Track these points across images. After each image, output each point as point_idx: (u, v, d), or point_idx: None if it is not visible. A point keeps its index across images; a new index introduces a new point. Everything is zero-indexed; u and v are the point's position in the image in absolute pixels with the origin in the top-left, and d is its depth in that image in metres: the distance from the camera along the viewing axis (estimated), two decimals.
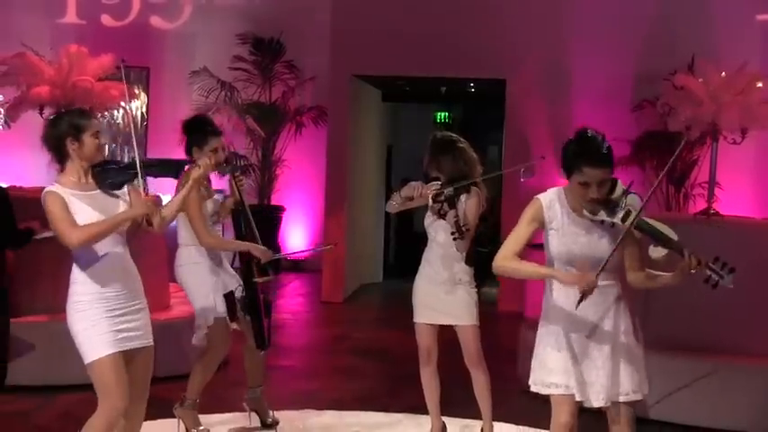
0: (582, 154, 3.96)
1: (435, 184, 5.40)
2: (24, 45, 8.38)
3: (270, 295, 5.83)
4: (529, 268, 4.12)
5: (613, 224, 3.99)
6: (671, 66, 9.49)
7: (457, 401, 6.11)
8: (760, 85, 7.65)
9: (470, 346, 5.54)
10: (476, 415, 5.79)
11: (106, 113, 8.92)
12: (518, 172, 10.95)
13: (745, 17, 10.87)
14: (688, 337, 6.82)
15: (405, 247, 15.55)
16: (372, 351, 8.86)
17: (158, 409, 6.21)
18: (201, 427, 5.89)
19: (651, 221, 4.02)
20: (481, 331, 5.62)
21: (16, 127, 8.11)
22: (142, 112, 13.33)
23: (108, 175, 4.30)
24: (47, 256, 7.06)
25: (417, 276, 5.68)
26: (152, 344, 4.40)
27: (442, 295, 5.52)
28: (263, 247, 5.64)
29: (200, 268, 5.70)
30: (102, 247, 4.26)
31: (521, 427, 6.31)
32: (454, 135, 5.65)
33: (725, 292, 6.71)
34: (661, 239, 3.96)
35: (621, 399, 4.15)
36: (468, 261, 5.51)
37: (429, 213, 5.52)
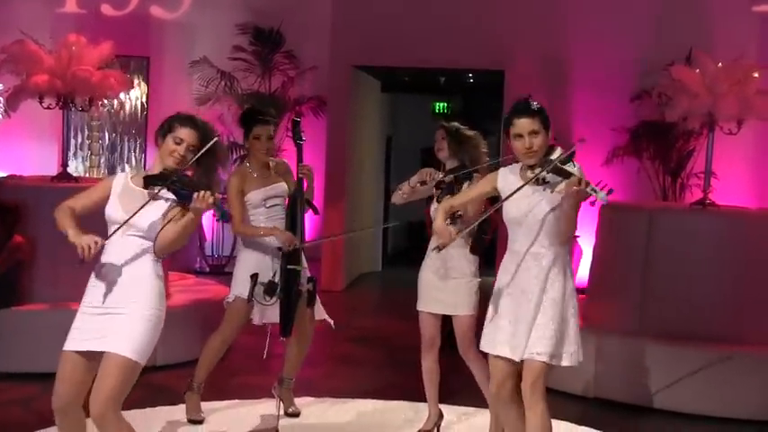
0: (512, 111, 4.43)
1: (439, 173, 5.52)
2: (24, 33, 8.38)
3: (314, 286, 5.83)
4: (438, 213, 4.62)
5: (544, 180, 4.27)
6: (669, 57, 9.50)
7: (455, 389, 6.15)
8: (756, 75, 7.66)
9: (464, 336, 5.56)
10: (473, 403, 5.84)
11: (106, 103, 8.94)
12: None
13: (742, 8, 10.89)
14: (685, 325, 6.86)
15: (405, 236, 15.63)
16: (371, 339, 8.91)
17: (160, 397, 6.28)
18: (201, 414, 5.94)
19: (567, 168, 4.27)
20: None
21: (16, 116, 8.12)
22: (142, 102, 13.34)
23: (151, 181, 4.23)
24: (46, 245, 7.13)
25: (423, 264, 5.70)
26: (111, 350, 4.09)
27: (442, 284, 5.55)
28: (288, 234, 5.68)
29: (248, 253, 5.86)
30: (110, 241, 4.19)
31: None
32: (461, 125, 5.71)
33: (719, 281, 6.82)
34: (566, 176, 4.21)
35: (526, 356, 4.34)
36: (473, 250, 5.54)
37: (434, 201, 5.56)
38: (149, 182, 4.22)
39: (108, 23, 12.86)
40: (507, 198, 4.35)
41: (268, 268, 5.78)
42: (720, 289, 6.93)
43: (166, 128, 4.28)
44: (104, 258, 4.21)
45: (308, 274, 5.85)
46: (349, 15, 11.34)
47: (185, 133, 4.24)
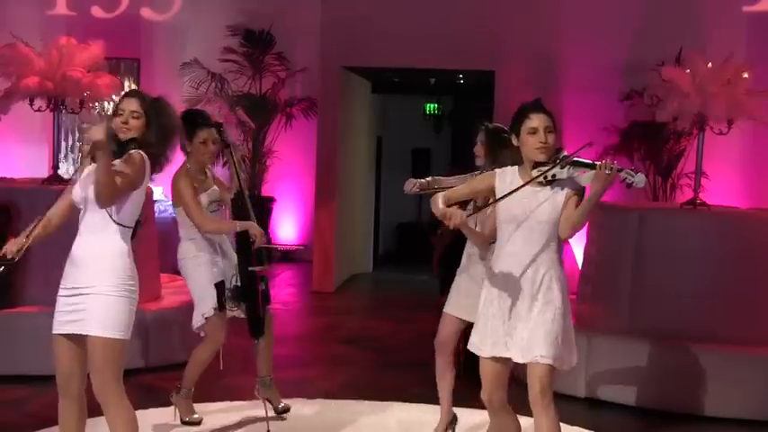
0: (526, 106, 4.46)
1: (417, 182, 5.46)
2: (14, 36, 8.37)
3: (266, 285, 5.82)
4: (437, 200, 4.41)
5: (554, 176, 4.27)
6: (659, 56, 9.53)
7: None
8: (746, 75, 7.68)
9: None
10: (469, 404, 5.84)
11: (96, 104, 8.91)
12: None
13: (732, 9, 10.93)
14: (676, 325, 6.87)
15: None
16: (362, 340, 8.90)
17: (152, 399, 6.27)
18: (195, 416, 5.93)
19: (582, 160, 4.33)
20: None
21: (6, 119, 8.11)
22: None
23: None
24: (37, 248, 7.11)
25: (459, 269, 5.60)
26: (88, 333, 4.22)
27: (475, 290, 5.30)
28: (260, 228, 5.62)
29: (200, 261, 5.77)
30: (80, 222, 4.33)
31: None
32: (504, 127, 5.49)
33: (710, 281, 6.83)
34: (591, 166, 4.28)
35: (529, 359, 4.29)
36: None
37: (470, 206, 5.43)
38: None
39: (98, 25, 12.86)
40: (514, 191, 4.26)
41: (223, 274, 5.75)
42: (711, 289, 6.93)
43: (113, 112, 4.41)
44: (76, 239, 4.32)
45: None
46: (339, 17, 11.33)
47: (124, 103, 4.35)
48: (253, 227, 5.62)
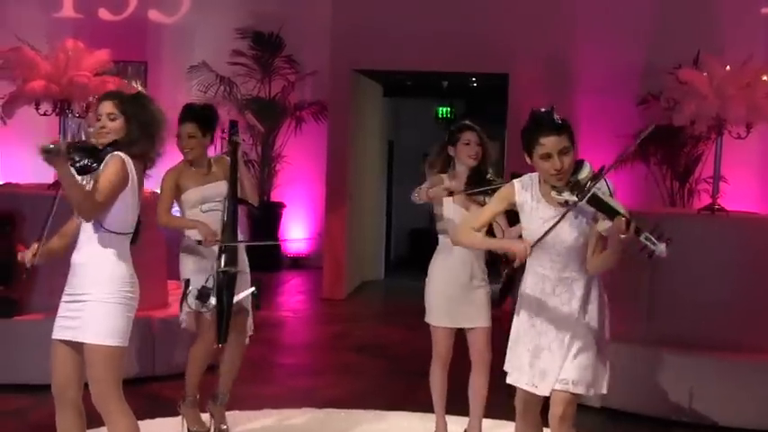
0: (536, 127, 4.02)
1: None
2: (20, 39, 8.30)
3: (258, 289, 5.67)
4: (479, 239, 4.25)
5: (575, 203, 3.93)
6: (676, 59, 9.41)
7: (461, 399, 6.01)
8: (765, 78, 7.56)
9: (482, 347, 5.38)
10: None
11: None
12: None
13: (750, 11, 10.82)
14: (693, 333, 6.78)
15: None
16: (373, 348, 8.82)
17: (159, 408, 6.17)
18: (201, 426, 5.81)
19: (606, 198, 3.98)
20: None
21: (12, 123, 8.02)
22: None
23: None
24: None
25: (433, 276, 5.44)
26: (84, 341, 4.15)
27: (461, 297, 5.33)
28: (210, 228, 5.46)
29: (191, 257, 5.69)
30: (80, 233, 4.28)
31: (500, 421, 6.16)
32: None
33: (728, 288, 6.70)
34: (610, 213, 3.93)
35: (558, 386, 4.10)
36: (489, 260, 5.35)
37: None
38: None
39: (105, 28, 12.82)
40: (554, 226, 3.91)
41: (207, 272, 5.55)
42: (729, 296, 6.85)
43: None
44: (76, 247, 4.30)
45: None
46: (349, 19, 11.23)
47: (102, 106, 4.28)
48: (203, 227, 5.48)
